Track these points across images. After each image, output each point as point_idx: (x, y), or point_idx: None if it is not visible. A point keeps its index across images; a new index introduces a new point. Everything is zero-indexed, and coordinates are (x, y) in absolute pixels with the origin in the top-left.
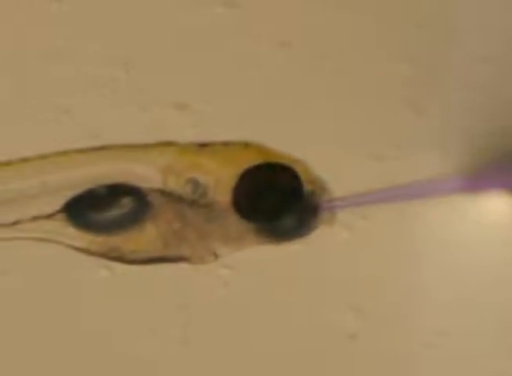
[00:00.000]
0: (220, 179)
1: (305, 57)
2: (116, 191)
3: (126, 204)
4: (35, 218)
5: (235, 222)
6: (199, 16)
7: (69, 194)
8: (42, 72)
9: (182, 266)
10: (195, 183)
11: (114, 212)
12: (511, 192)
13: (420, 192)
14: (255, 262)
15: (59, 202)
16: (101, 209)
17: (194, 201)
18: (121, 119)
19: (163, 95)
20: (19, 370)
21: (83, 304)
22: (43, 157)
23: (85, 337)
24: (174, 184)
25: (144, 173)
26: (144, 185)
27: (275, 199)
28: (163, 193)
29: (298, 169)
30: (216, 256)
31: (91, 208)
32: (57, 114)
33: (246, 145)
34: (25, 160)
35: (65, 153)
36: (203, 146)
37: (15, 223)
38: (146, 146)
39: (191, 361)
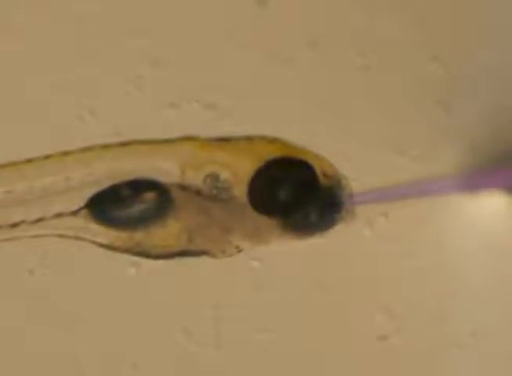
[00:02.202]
0: (239, 174)
1: (333, 56)
2: (138, 187)
3: (149, 199)
4: (59, 215)
5: (253, 217)
6: (227, 15)
7: (92, 191)
8: (68, 70)
9: (211, 261)
10: (214, 178)
11: (137, 208)
12: (510, 191)
13: (427, 190)
14: (284, 256)
15: (82, 199)
16: (124, 205)
17: (214, 196)
18: (146, 117)
19: (189, 93)
20: (51, 367)
21: (111, 302)
22: (66, 153)
23: (115, 335)
24: (192, 178)
25: (165, 168)
26: (165, 180)
27: (290, 193)
28: (182, 187)
29: (317, 164)
30: (239, 250)
31: (114, 204)
32: (82, 113)
33: (267, 140)
34: (47, 157)
35: (87, 149)
36: (224, 140)
37: (39, 220)
38: (168, 141)
39: (223, 356)
